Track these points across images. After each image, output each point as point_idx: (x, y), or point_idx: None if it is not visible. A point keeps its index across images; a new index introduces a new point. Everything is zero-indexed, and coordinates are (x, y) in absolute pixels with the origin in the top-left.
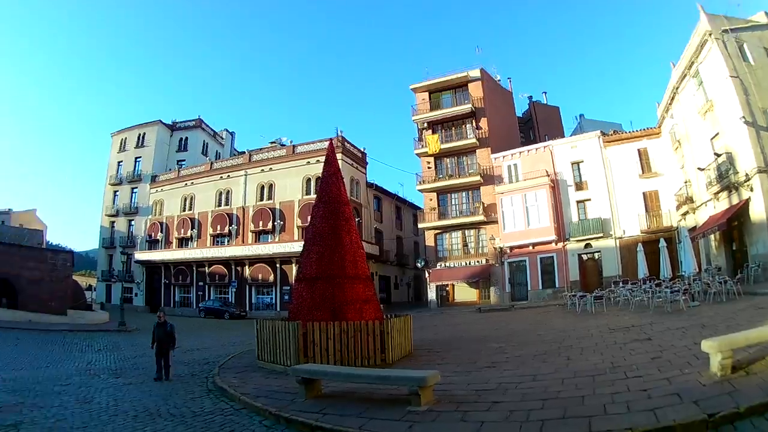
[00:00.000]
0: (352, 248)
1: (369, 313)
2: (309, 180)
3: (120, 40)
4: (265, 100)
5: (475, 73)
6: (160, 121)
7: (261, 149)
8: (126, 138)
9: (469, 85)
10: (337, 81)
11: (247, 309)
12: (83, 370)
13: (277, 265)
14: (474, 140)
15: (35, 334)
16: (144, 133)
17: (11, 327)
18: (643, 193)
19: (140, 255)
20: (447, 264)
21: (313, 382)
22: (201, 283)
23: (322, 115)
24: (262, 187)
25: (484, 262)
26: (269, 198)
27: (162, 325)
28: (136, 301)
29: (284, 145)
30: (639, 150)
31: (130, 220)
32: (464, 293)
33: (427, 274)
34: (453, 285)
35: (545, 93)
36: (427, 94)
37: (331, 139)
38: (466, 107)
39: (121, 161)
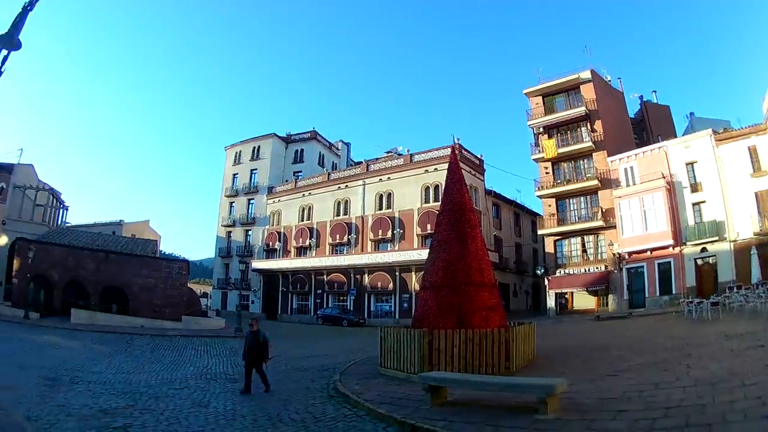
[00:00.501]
0: (478, 255)
1: (494, 321)
2: (428, 188)
3: (234, 56)
4: (378, 110)
5: (586, 74)
6: (275, 134)
7: (378, 159)
8: (240, 151)
9: (581, 87)
10: (449, 89)
11: (366, 317)
12: (199, 375)
13: (397, 273)
14: (590, 143)
15: (148, 338)
16: (259, 146)
17: (123, 332)
18: (755, 193)
19: (258, 263)
20: (566, 271)
21: (439, 390)
22: (319, 291)
23: (435, 124)
24: (381, 196)
25: (603, 268)
26: (388, 207)
27: (255, 333)
28: (252, 308)
29: (401, 155)
30: (749, 147)
31: (247, 230)
32: (583, 301)
33: (546, 282)
34: (572, 293)
35: (655, 92)
36: (540, 98)
37: (453, 147)
38: (579, 110)
39: (237, 173)
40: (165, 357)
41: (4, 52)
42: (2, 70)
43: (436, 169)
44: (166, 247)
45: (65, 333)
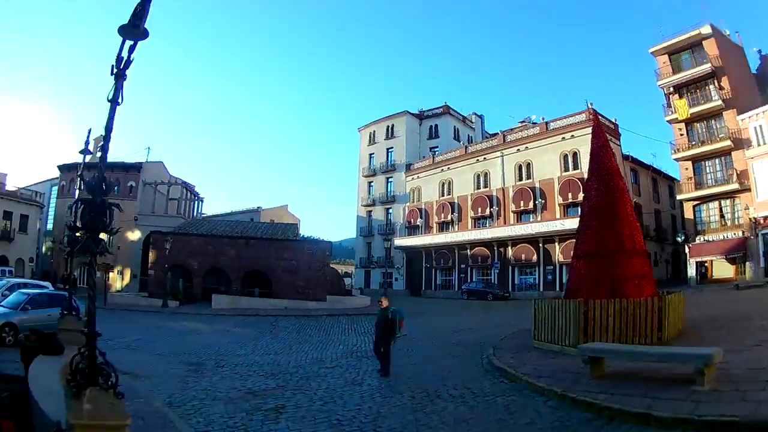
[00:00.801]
0: (629, 221)
1: (647, 289)
2: (566, 156)
3: (359, 35)
4: (506, 80)
5: (706, 29)
6: (407, 111)
7: (512, 129)
8: (374, 131)
9: (703, 43)
10: (572, 54)
11: (510, 290)
12: (349, 353)
13: (540, 245)
14: (719, 102)
15: (292, 319)
16: (392, 125)
17: (266, 314)
18: None
19: (400, 241)
20: (705, 238)
21: (598, 361)
22: (463, 266)
23: (563, 90)
24: (520, 167)
25: (740, 234)
26: (528, 177)
27: (383, 311)
28: (396, 285)
29: (535, 123)
30: None
31: (388, 208)
32: (721, 269)
33: (687, 249)
34: (711, 261)
35: None
36: (666, 56)
37: (592, 113)
38: (705, 67)
39: (373, 153)
40: (312, 337)
41: (129, 42)
42: (131, 59)
43: (572, 135)
44: (304, 230)
45: (206, 318)
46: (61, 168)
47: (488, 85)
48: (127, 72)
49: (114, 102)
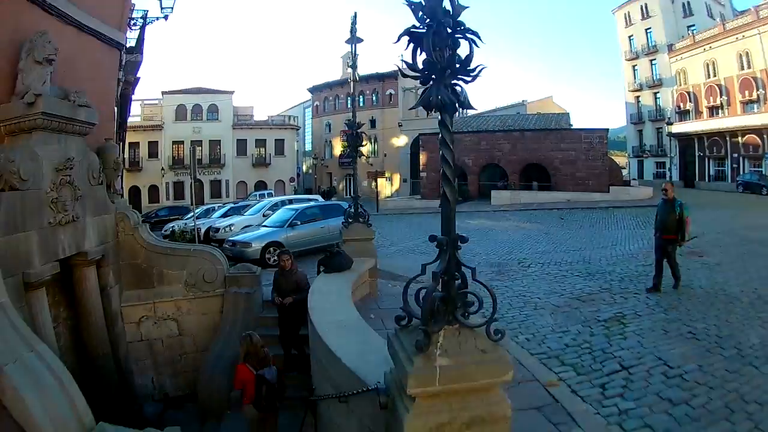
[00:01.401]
0: None
1: None
2: None
3: None
4: None
5: None
6: None
7: (759, 6)
8: (629, 12)
9: None
10: None
11: None
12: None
13: None
14: None
15: (580, 212)
16: (645, 4)
17: (550, 208)
18: None
19: (673, 128)
20: None
21: None
22: (735, 155)
23: None
24: None
25: None
26: None
27: (669, 203)
28: (670, 176)
29: None
30: None
31: (655, 93)
32: None
33: None
34: None
35: None
36: None
37: None
38: None
39: (631, 35)
40: (609, 231)
41: None
42: None
43: None
44: (572, 122)
45: (489, 215)
46: (312, 90)
47: None
48: None
49: None
